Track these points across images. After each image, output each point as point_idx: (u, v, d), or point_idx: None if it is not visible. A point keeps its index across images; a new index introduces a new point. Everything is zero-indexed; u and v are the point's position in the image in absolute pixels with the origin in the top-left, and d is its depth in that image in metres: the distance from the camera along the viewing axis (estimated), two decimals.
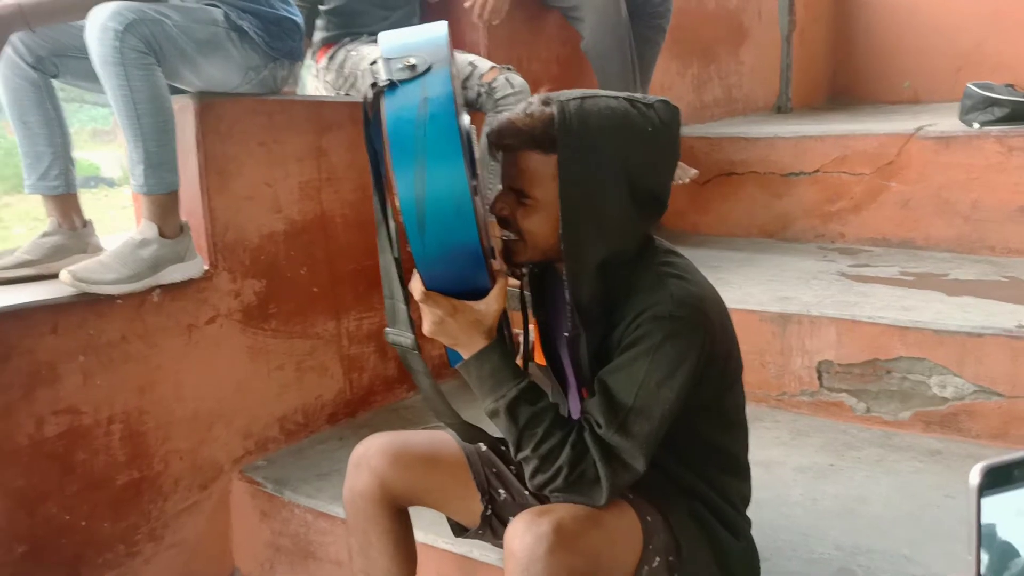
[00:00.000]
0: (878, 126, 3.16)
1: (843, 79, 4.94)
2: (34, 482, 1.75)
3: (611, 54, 2.74)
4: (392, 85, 1.14)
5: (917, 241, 2.90)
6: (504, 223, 1.26)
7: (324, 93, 2.68)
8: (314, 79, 2.77)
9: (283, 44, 2.10)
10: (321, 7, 2.61)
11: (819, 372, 2.22)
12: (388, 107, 1.13)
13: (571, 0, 2.79)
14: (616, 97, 1.22)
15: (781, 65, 4.42)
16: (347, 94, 2.58)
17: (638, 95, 1.26)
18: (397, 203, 1.13)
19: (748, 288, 2.49)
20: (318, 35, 2.64)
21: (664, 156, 1.25)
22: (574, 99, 1.20)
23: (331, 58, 2.62)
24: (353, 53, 2.56)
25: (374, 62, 2.38)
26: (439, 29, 1.22)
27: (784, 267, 2.76)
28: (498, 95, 2.40)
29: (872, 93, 4.80)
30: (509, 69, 2.45)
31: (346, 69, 2.56)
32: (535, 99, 1.23)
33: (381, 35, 1.23)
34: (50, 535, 1.78)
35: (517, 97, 2.40)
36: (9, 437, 1.71)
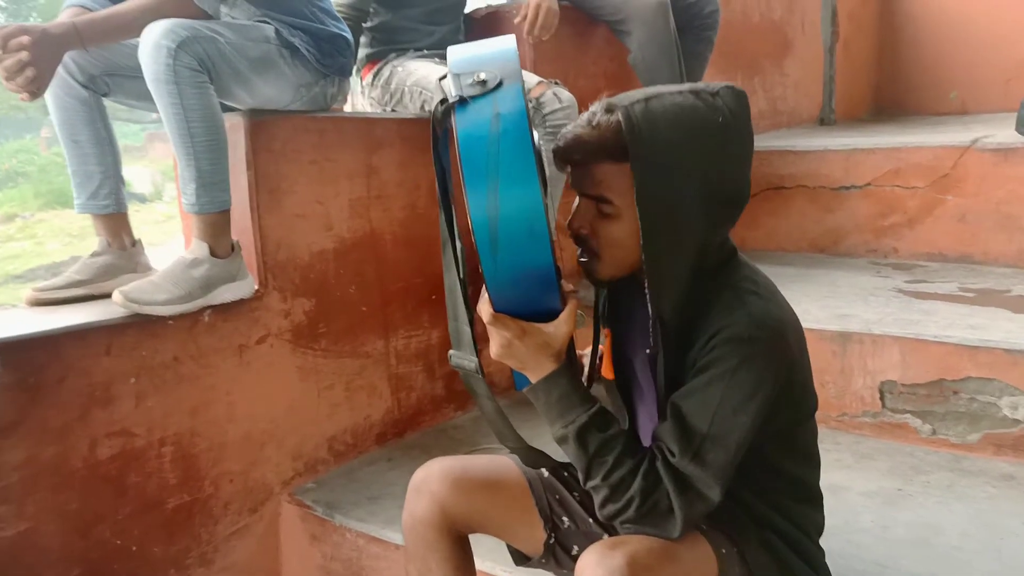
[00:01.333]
0: (930, 138, 3.09)
1: (887, 90, 4.85)
2: (88, 505, 1.74)
3: (659, 67, 2.70)
4: (463, 101, 1.11)
5: (976, 256, 2.82)
6: (581, 241, 1.22)
7: (369, 109, 2.67)
8: (359, 95, 2.76)
9: (334, 61, 2.08)
10: (366, 24, 2.60)
11: (882, 392, 2.15)
12: (459, 124, 1.10)
13: (618, 13, 2.75)
14: (680, 92, 1.17)
15: (824, 77, 4.35)
16: (393, 110, 2.56)
17: (701, 84, 1.20)
18: (467, 222, 1.09)
19: (804, 305, 2.43)
20: (363, 51, 2.64)
21: (739, 145, 1.19)
22: (638, 102, 1.15)
23: (376, 74, 2.61)
24: (399, 69, 2.54)
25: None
26: (508, 42, 1.18)
27: (838, 283, 2.69)
28: (546, 110, 2.37)
29: (917, 105, 4.71)
30: (557, 84, 2.42)
31: (392, 85, 2.54)
32: (598, 107, 1.18)
33: (449, 49, 1.19)
34: (103, 559, 1.77)
35: (565, 112, 2.37)
36: (65, 460, 1.70)
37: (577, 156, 1.20)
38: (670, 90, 1.18)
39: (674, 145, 1.13)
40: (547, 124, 2.37)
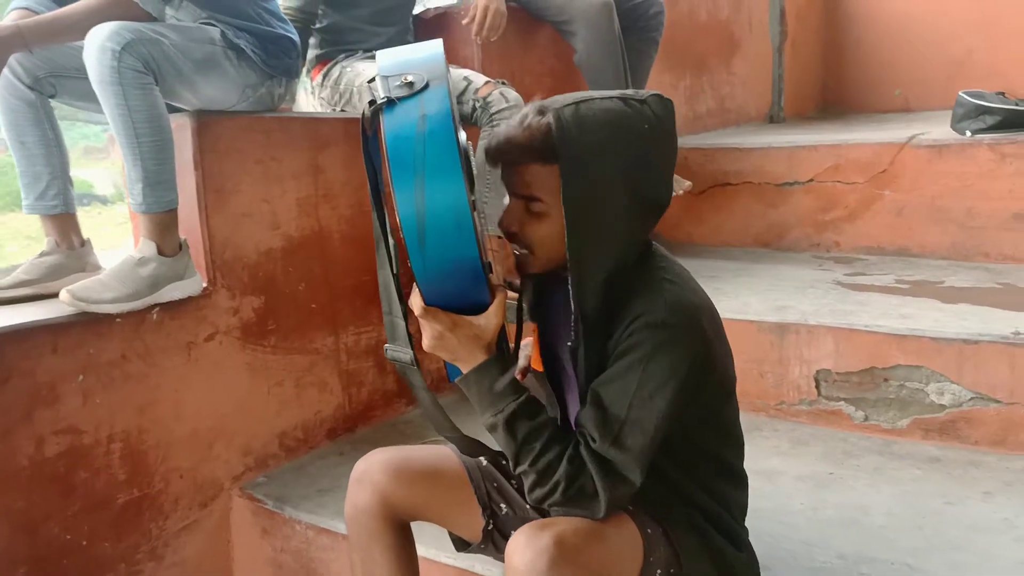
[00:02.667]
0: (871, 135, 3.18)
1: (834, 89, 4.96)
2: (35, 503, 1.75)
3: (604, 67, 2.75)
4: (391, 102, 1.15)
5: (912, 249, 2.92)
6: (512, 238, 1.27)
7: (319, 110, 2.70)
8: (307, 96, 2.78)
9: (280, 62, 2.11)
10: (315, 25, 2.62)
11: (817, 381, 2.22)
12: (387, 124, 1.14)
13: (563, 14, 2.80)
14: (610, 97, 1.22)
15: (773, 75, 4.44)
16: (343, 110, 2.59)
17: (630, 91, 1.25)
18: (397, 219, 1.14)
19: (745, 298, 2.50)
20: (312, 52, 2.66)
21: (662, 151, 1.25)
22: (568, 105, 1.19)
23: (326, 75, 2.63)
24: (348, 70, 2.57)
25: (372, 80, 2.40)
26: (435, 47, 1.23)
27: (780, 277, 2.76)
28: (493, 109, 2.41)
29: (863, 102, 4.82)
30: (504, 83, 2.46)
31: (341, 86, 2.57)
32: (529, 109, 1.23)
33: (378, 53, 1.24)
34: (52, 556, 1.78)
35: (512, 111, 2.41)
36: (10, 459, 1.71)
37: (508, 156, 1.24)
38: (600, 95, 1.22)
39: (600, 147, 1.18)
40: (494, 123, 2.41)
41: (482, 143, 2.02)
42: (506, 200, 1.28)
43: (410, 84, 1.15)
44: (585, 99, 1.21)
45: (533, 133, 1.20)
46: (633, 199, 1.21)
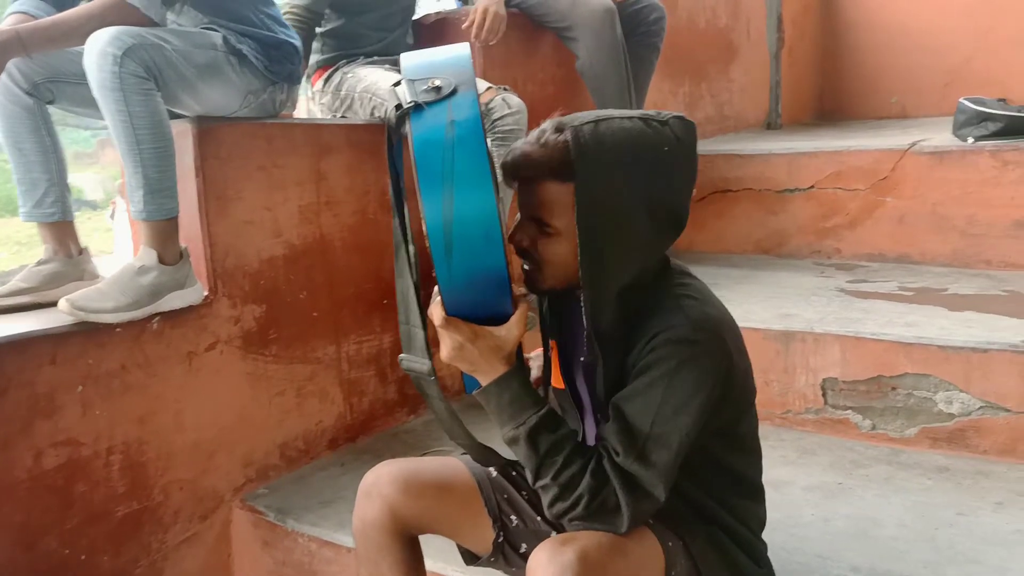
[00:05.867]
0: (871, 142, 3.18)
1: (831, 96, 4.97)
2: (33, 516, 1.72)
3: (607, 74, 2.74)
4: (418, 107, 1.12)
5: (913, 256, 2.91)
6: (522, 253, 1.24)
7: (319, 115, 2.67)
8: (308, 101, 2.76)
9: (282, 68, 2.09)
10: (319, 29, 2.60)
11: (824, 390, 2.21)
12: (414, 129, 1.11)
13: (565, 20, 2.78)
14: (630, 117, 1.20)
15: (770, 82, 4.44)
16: (343, 116, 2.57)
17: (652, 112, 1.24)
18: (423, 227, 1.11)
19: (749, 305, 2.48)
20: (314, 57, 2.64)
21: (682, 174, 1.23)
22: (588, 123, 1.17)
23: (327, 80, 2.61)
24: (349, 76, 2.55)
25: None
26: (462, 50, 1.20)
27: (783, 284, 2.75)
28: (495, 115, 2.39)
29: (860, 109, 4.83)
30: (506, 89, 2.44)
31: (343, 91, 2.55)
32: (547, 126, 1.20)
33: (402, 56, 1.21)
34: (50, 570, 1.75)
35: (514, 118, 2.39)
36: (7, 471, 1.68)
37: (524, 172, 1.22)
38: (620, 115, 1.20)
39: (618, 167, 1.16)
40: (496, 129, 2.39)
41: (499, 159, 1.99)
42: (517, 215, 1.26)
43: (437, 88, 1.13)
44: (605, 118, 1.19)
45: (550, 150, 1.18)
46: (650, 220, 1.19)
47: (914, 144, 2.91)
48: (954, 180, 2.82)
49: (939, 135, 3.06)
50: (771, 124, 4.45)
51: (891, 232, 2.95)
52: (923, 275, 2.76)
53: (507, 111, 2.39)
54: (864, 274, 2.82)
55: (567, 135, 1.16)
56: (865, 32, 4.81)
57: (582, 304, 1.21)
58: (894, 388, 2.11)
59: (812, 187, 3.08)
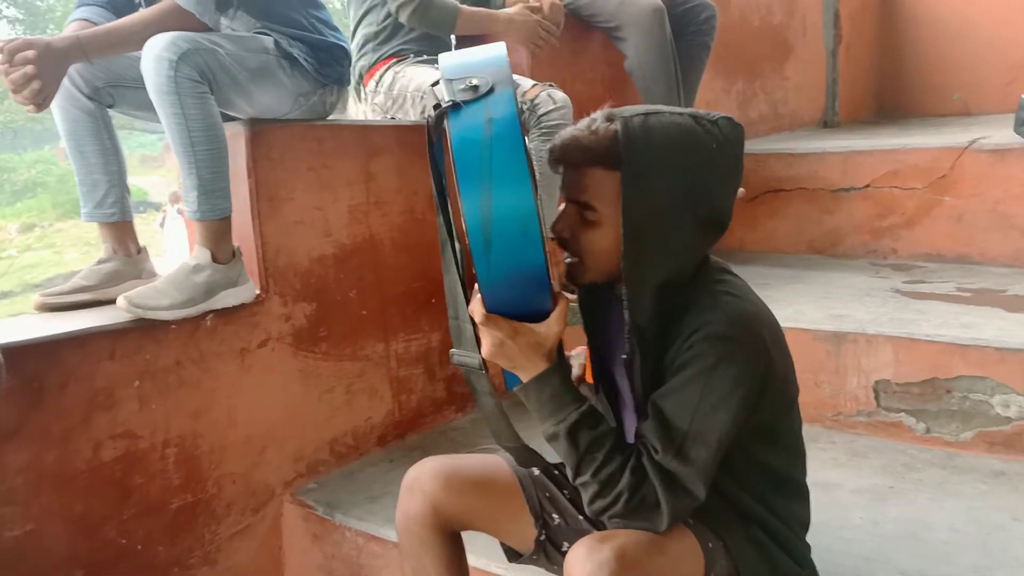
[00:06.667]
0: (929, 139, 3.11)
1: (890, 93, 4.87)
2: (92, 506, 1.78)
3: (655, 74, 2.73)
4: (456, 106, 1.14)
5: (973, 256, 2.84)
6: (564, 244, 1.25)
7: (371, 116, 2.71)
8: (356, 102, 2.79)
9: (332, 70, 2.12)
10: (372, 29, 2.62)
11: (876, 392, 2.17)
12: (453, 128, 1.13)
13: (614, 20, 2.78)
14: (680, 113, 1.21)
15: (827, 80, 4.37)
16: (394, 117, 2.60)
17: (701, 111, 1.24)
18: (463, 224, 1.12)
19: (799, 305, 2.45)
20: (366, 58, 2.66)
21: (728, 174, 1.24)
22: (638, 115, 1.18)
23: (379, 80, 2.64)
24: (401, 75, 2.58)
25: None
26: (498, 49, 1.21)
27: (835, 284, 2.71)
28: (541, 111, 2.39)
29: (920, 106, 4.73)
30: (551, 85, 2.45)
31: (395, 91, 2.58)
32: (599, 115, 1.22)
33: (441, 56, 1.23)
34: (108, 559, 1.80)
35: (560, 112, 2.39)
36: (68, 463, 1.74)
37: (571, 157, 1.23)
38: (671, 110, 1.21)
39: (665, 160, 1.16)
40: (542, 125, 2.39)
41: (548, 144, 2.00)
42: (561, 205, 1.27)
43: (475, 87, 1.14)
44: (655, 112, 1.20)
45: (599, 138, 1.19)
46: (693, 217, 1.19)
47: (973, 142, 2.84)
48: (1015, 178, 2.75)
49: (1000, 132, 2.98)
50: (828, 122, 4.38)
51: (949, 231, 2.88)
52: (983, 276, 2.69)
53: (552, 106, 2.39)
54: (921, 275, 2.76)
55: (617, 124, 1.17)
56: (925, 27, 4.70)
57: (623, 299, 1.21)
58: (949, 391, 2.07)
59: (868, 186, 3.02)
